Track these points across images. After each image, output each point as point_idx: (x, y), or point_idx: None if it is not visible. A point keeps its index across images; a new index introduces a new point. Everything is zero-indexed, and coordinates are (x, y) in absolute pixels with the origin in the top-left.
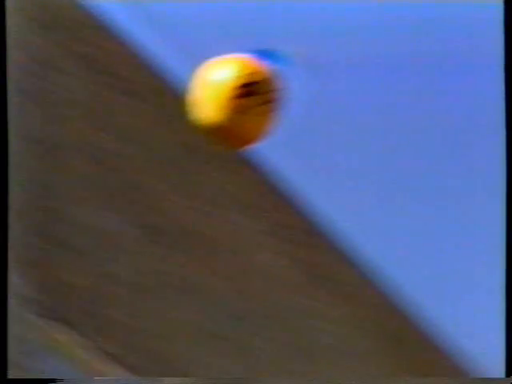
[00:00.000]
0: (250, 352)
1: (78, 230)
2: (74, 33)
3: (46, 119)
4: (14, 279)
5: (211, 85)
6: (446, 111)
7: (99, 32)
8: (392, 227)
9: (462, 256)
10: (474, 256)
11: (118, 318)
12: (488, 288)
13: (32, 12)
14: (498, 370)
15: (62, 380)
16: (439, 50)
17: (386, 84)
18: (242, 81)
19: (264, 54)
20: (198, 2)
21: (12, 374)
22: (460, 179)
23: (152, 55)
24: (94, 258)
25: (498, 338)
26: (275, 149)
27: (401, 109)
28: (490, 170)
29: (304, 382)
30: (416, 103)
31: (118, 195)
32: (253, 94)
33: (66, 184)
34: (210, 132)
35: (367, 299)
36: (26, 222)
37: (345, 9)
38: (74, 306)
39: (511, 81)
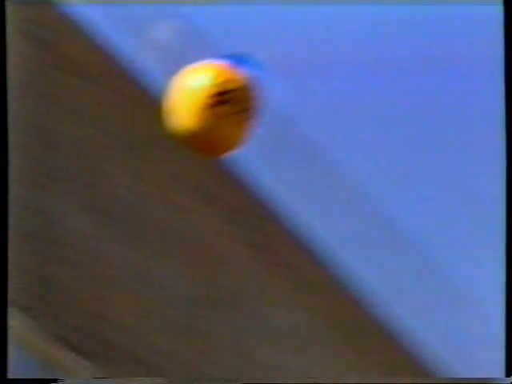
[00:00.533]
0: (207, 338)
1: (32, 213)
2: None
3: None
4: None
5: (186, 93)
6: (446, 111)
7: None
8: (361, 219)
9: (460, 257)
10: (473, 255)
11: (69, 301)
12: (488, 289)
13: None
14: (498, 370)
15: (62, 380)
16: (439, 50)
17: (386, 85)
18: (217, 89)
19: (239, 60)
20: (176, 6)
21: (12, 373)
22: (459, 179)
23: (122, 52)
24: (48, 241)
25: (498, 338)
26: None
27: (399, 109)
28: (490, 170)
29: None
30: (415, 104)
31: (71, 179)
32: (228, 103)
33: (21, 168)
34: (185, 140)
35: (324, 287)
36: None
37: (343, 10)
38: (26, 288)
39: (511, 81)
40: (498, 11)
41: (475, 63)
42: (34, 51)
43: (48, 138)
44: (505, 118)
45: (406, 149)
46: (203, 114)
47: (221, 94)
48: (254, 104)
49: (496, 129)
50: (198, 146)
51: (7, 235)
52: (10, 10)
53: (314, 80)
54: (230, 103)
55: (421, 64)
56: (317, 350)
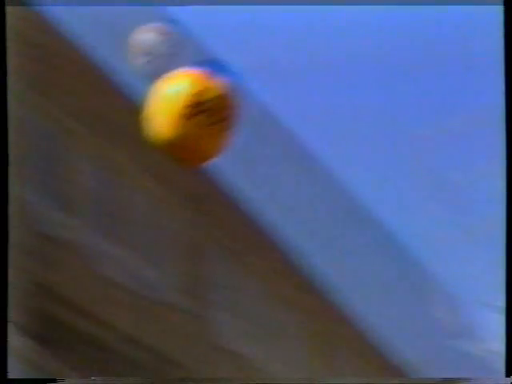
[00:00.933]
0: (163, 322)
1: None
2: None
3: None
4: None
5: (163, 102)
6: (446, 111)
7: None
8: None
9: (460, 257)
10: (473, 256)
11: (62, 301)
12: (488, 288)
13: None
14: (498, 370)
15: (62, 380)
16: (439, 50)
17: (385, 86)
18: (194, 99)
19: (216, 67)
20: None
21: (12, 374)
22: (458, 180)
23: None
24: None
25: (498, 338)
26: None
27: (398, 110)
28: (490, 171)
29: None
30: (415, 104)
31: (34, 166)
32: (204, 113)
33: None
34: (163, 148)
35: (280, 272)
36: None
37: (343, 9)
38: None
39: (511, 81)
40: (497, 11)
41: (475, 63)
42: (29, 52)
43: (46, 134)
44: (505, 118)
45: (402, 150)
46: (180, 123)
47: (198, 104)
48: (231, 113)
49: (497, 128)
50: (175, 154)
51: (7, 235)
52: (9, 10)
53: (301, 82)
54: (207, 113)
55: (420, 64)
56: (291, 346)
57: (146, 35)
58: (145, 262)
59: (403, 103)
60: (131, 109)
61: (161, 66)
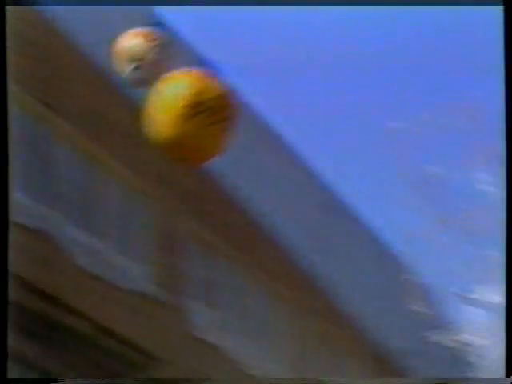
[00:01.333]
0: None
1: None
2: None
3: None
4: None
5: (163, 103)
6: (445, 110)
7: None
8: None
9: (462, 255)
10: (474, 256)
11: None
12: (465, 281)
13: None
14: (498, 370)
15: (62, 380)
16: (439, 50)
17: (385, 85)
18: (193, 99)
19: (215, 67)
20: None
21: (12, 374)
22: (459, 180)
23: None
24: None
25: (498, 338)
26: None
27: (399, 110)
28: (490, 171)
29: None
30: (416, 104)
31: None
32: (204, 113)
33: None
34: (163, 148)
35: (289, 277)
36: None
37: (343, 11)
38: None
39: (511, 81)
40: (497, 11)
41: (475, 63)
42: (28, 51)
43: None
44: (505, 118)
45: (394, 151)
46: (180, 124)
47: (197, 104)
48: (231, 113)
49: (496, 128)
50: (175, 154)
51: (7, 235)
52: (9, 10)
53: (296, 82)
54: (207, 113)
55: (420, 64)
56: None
57: (133, 41)
58: (120, 252)
59: (403, 103)
60: (131, 108)
61: (148, 72)
